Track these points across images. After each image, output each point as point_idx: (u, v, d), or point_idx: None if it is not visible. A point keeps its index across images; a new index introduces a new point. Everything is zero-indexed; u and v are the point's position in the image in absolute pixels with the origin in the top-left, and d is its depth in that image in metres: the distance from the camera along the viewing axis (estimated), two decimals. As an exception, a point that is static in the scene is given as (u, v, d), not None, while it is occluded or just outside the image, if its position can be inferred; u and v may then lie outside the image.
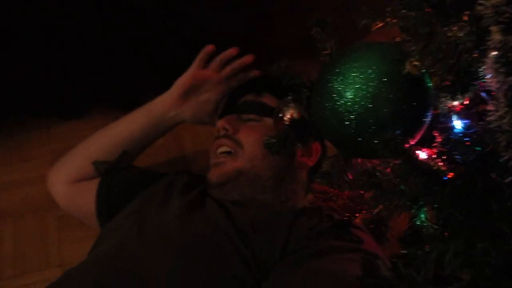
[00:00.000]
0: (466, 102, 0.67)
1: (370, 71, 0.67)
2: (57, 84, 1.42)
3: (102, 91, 1.49)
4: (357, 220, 0.93)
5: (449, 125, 0.69)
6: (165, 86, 1.17)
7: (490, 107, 0.55)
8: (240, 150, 1.01)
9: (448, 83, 0.65)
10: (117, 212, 1.03)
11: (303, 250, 0.84)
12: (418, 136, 0.70)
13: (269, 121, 1.00)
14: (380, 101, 0.66)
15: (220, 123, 1.06)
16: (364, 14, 0.74)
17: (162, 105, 1.15)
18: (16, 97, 1.40)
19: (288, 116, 0.79)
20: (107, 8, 1.36)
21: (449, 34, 0.59)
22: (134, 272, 0.83)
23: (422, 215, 0.73)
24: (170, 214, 0.94)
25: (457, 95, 0.64)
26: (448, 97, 0.66)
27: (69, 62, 1.40)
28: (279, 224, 0.90)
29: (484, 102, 0.66)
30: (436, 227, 0.70)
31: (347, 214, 0.92)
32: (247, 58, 1.17)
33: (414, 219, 0.74)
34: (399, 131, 0.66)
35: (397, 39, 0.71)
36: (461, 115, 0.68)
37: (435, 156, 0.70)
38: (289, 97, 0.79)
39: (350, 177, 0.85)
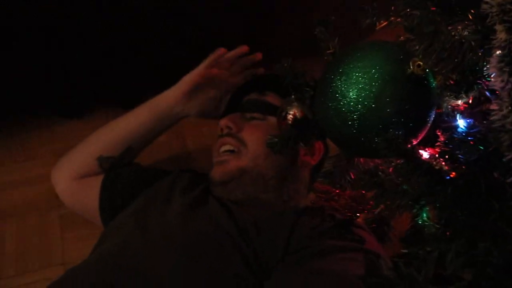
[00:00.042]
0: (470, 101, 0.67)
1: (373, 70, 0.66)
2: (58, 84, 1.42)
3: (102, 91, 1.49)
4: (359, 220, 0.94)
5: (453, 124, 0.69)
6: (165, 86, 1.17)
7: (493, 106, 0.55)
8: (244, 148, 1.01)
9: (453, 82, 0.65)
10: (120, 209, 1.03)
11: (305, 250, 0.84)
12: (421, 136, 0.70)
13: (272, 120, 1.00)
14: (384, 101, 0.66)
15: (224, 121, 1.05)
16: (368, 13, 0.74)
17: (167, 101, 1.15)
18: (16, 97, 1.40)
19: (291, 115, 0.79)
20: (107, 8, 1.35)
21: (454, 33, 0.59)
22: (137, 270, 0.83)
23: (424, 215, 0.73)
24: (173, 212, 0.94)
25: (461, 94, 0.64)
26: (452, 96, 0.66)
27: (70, 62, 1.40)
28: (282, 224, 0.90)
29: (487, 101, 0.67)
30: (438, 226, 0.70)
31: (349, 214, 0.92)
32: (256, 56, 1.18)
33: (416, 219, 0.74)
34: (402, 131, 0.66)
35: (401, 38, 0.71)
36: (465, 114, 0.68)
37: (437, 155, 0.70)
38: (293, 96, 0.80)
39: (352, 176, 0.86)
